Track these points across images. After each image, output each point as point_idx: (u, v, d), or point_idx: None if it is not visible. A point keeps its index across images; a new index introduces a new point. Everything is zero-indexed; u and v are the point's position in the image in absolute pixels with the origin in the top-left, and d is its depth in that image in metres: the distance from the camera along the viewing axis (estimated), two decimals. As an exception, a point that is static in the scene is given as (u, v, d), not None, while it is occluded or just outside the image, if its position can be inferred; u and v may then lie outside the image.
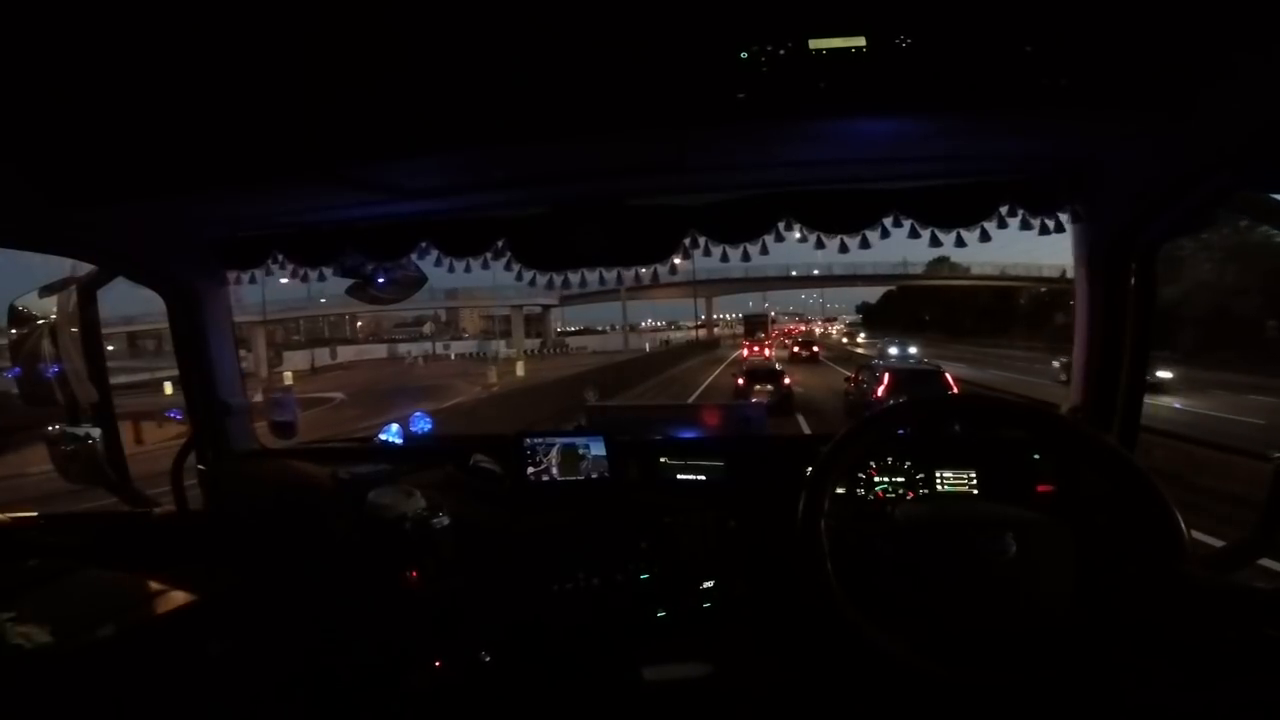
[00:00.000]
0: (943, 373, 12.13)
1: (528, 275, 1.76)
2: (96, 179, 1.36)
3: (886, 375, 11.67)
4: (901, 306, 68.73)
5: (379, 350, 54.12)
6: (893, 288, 72.33)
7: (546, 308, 56.17)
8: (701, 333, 57.85)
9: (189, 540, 1.79)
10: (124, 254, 1.77)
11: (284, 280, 1.99)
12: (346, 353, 49.74)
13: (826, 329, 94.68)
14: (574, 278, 1.78)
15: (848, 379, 15.63)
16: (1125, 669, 0.85)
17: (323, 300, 50.03)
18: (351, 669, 1.37)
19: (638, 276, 1.82)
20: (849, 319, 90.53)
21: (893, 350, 32.79)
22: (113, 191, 1.38)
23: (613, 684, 1.32)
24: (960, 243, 1.56)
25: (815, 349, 35.73)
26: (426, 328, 62.05)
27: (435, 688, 1.31)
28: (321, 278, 1.90)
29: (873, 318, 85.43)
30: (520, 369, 27.50)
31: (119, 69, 1.05)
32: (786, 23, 1.03)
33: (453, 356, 46.23)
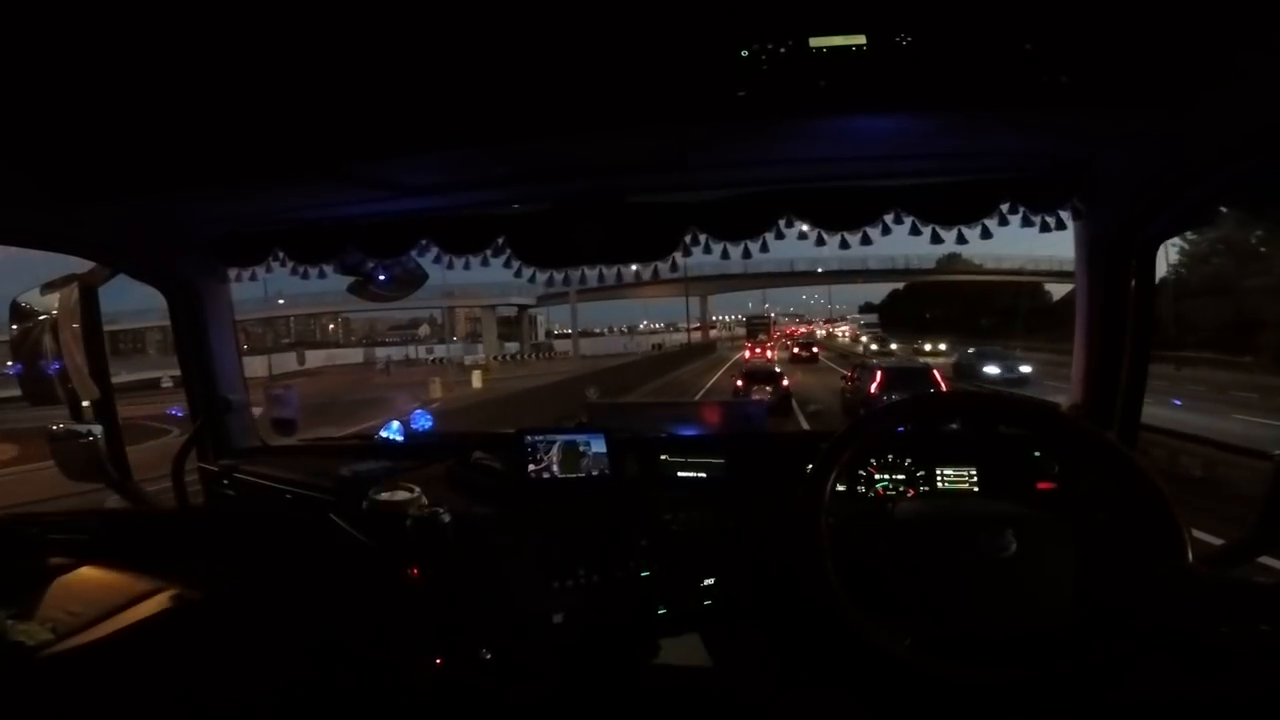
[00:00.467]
0: (931, 370, 13.06)
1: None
2: (98, 175, 1.36)
3: (879, 373, 12.77)
4: (909, 306, 61.76)
5: (354, 354, 47.88)
6: (899, 286, 65.43)
7: (523, 308, 50.37)
8: (696, 335, 51.84)
9: (190, 538, 1.79)
10: (125, 251, 1.77)
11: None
12: (316, 357, 43.49)
13: (831, 331, 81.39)
14: (576, 274, 1.79)
15: (844, 378, 16.49)
16: (1126, 665, 0.85)
17: (280, 301, 45.62)
18: (353, 666, 1.37)
19: (638, 275, 1.82)
20: (864, 319, 68.72)
21: (992, 369, 19.51)
22: (114, 188, 1.39)
23: (614, 681, 1.32)
24: (961, 239, 1.57)
25: (815, 350, 37.96)
26: (422, 330, 58.31)
27: (436, 685, 1.32)
28: (322, 275, 1.90)
29: (889, 317, 69.26)
30: (478, 379, 24.06)
31: (120, 66, 1.05)
32: (787, 21, 1.03)
33: (429, 361, 41.22)
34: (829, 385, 18.45)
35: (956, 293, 50.30)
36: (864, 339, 54.69)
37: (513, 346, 49.59)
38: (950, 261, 46.58)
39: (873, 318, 68.56)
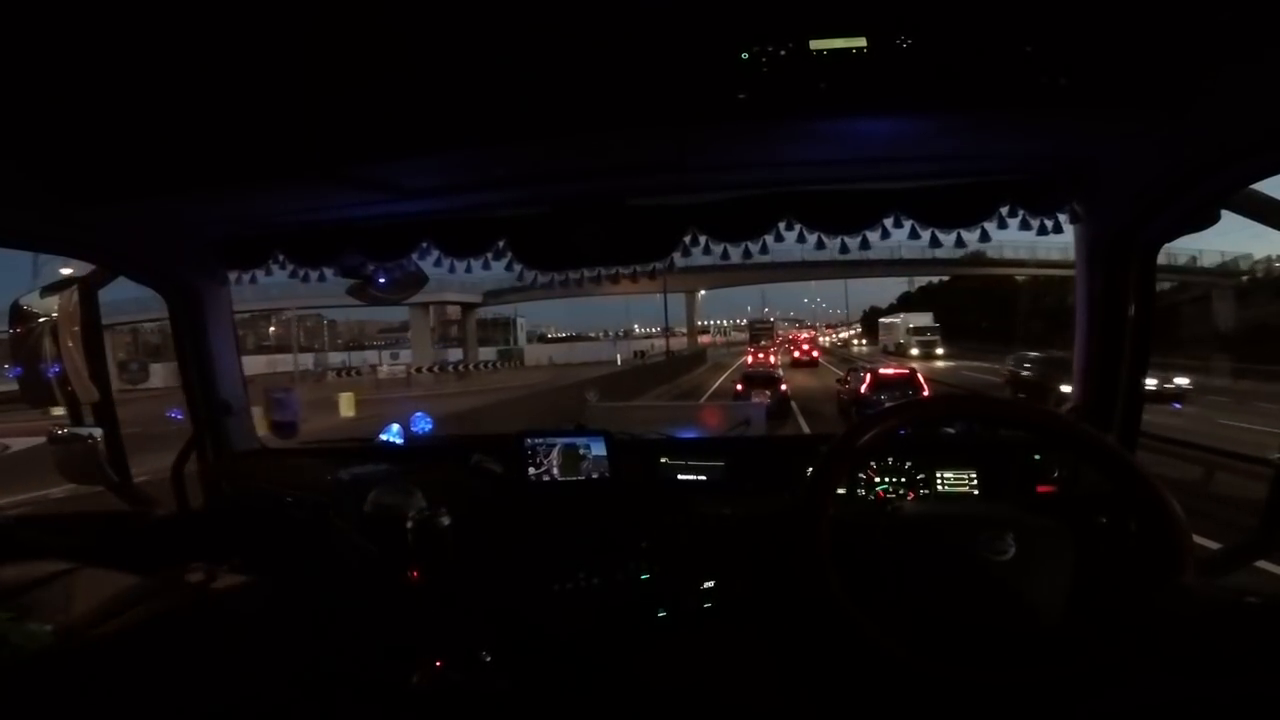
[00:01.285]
0: (916, 374, 14.45)
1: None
2: (99, 178, 1.36)
3: (868, 375, 14.42)
4: (923, 310, 46.74)
5: (303, 360, 36.23)
6: (911, 289, 58.34)
7: (470, 306, 41.31)
8: (679, 342, 42.01)
9: (190, 540, 1.79)
10: (125, 253, 1.77)
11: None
12: (256, 364, 32.80)
13: (844, 338, 72.53)
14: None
15: (839, 379, 17.79)
16: (1121, 670, 0.85)
17: None
18: (352, 668, 1.37)
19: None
20: (913, 321, 42.48)
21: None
22: (115, 190, 1.39)
23: (614, 683, 1.32)
24: (960, 243, 1.58)
25: (815, 354, 40.18)
26: (411, 333, 49.63)
27: (436, 687, 1.31)
28: (322, 278, 1.91)
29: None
30: (348, 405, 16.45)
31: (120, 68, 1.06)
32: (787, 23, 1.04)
33: (384, 369, 33.89)
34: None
35: (982, 292, 41.73)
36: (915, 350, 37.36)
37: (489, 352, 43.02)
38: (976, 256, 36.38)
39: (926, 318, 42.45)
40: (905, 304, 56.88)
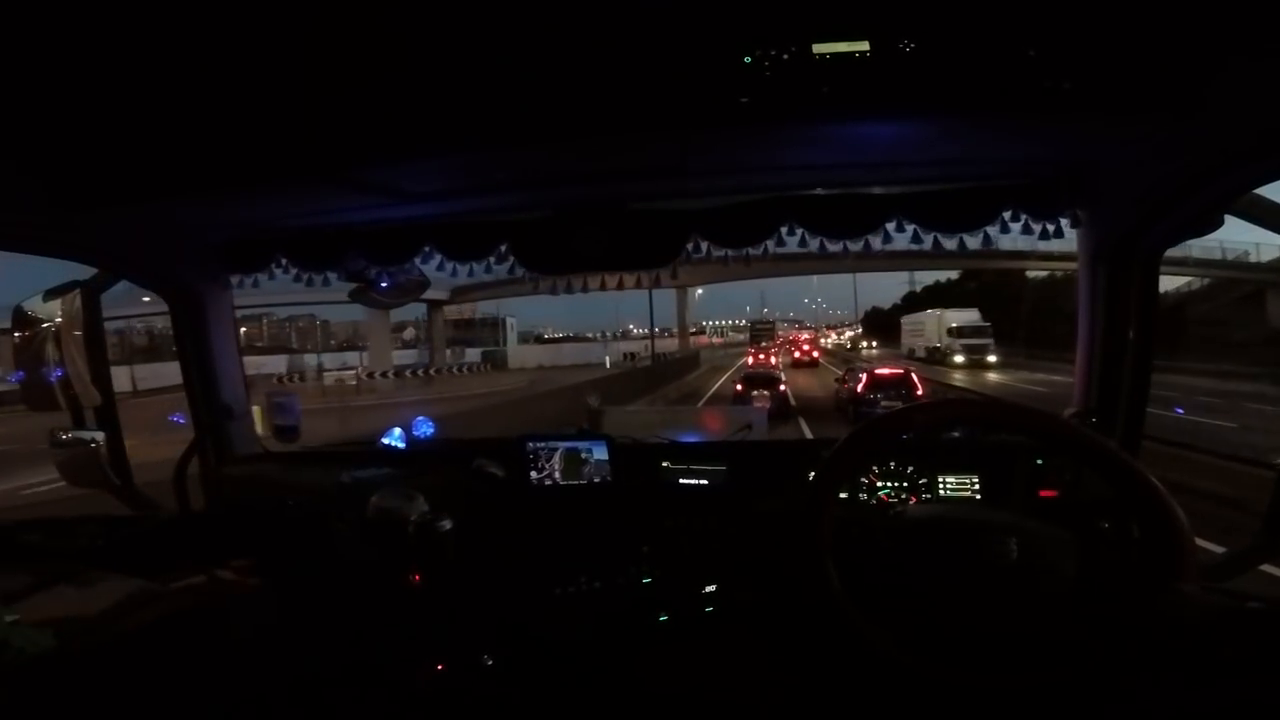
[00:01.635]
0: (911, 375, 14.94)
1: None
2: (101, 182, 1.36)
3: (864, 375, 15.03)
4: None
5: (275, 363, 34.84)
6: (916, 289, 53.18)
7: (436, 304, 36.72)
8: (671, 344, 38.98)
9: (192, 543, 1.79)
10: (126, 257, 1.78)
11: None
12: None
13: (851, 341, 65.45)
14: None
15: (838, 379, 18.25)
16: (1121, 675, 0.85)
17: (145, 299, 26.94)
18: (354, 671, 1.37)
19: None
20: (957, 320, 29.65)
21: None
22: (115, 194, 1.39)
23: (615, 688, 1.32)
24: (962, 247, 1.57)
25: (815, 354, 40.95)
26: (407, 333, 47.55)
27: (437, 690, 1.31)
28: (326, 281, 1.91)
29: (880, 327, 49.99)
30: (255, 420, 6.75)
31: (121, 71, 1.06)
32: (790, 27, 1.04)
33: (330, 374, 29.09)
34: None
35: (993, 291, 34.41)
36: (959, 358, 28.41)
37: (475, 354, 39.63)
38: (992, 250, 21.57)
39: (972, 315, 31.38)
40: (910, 304, 49.58)
